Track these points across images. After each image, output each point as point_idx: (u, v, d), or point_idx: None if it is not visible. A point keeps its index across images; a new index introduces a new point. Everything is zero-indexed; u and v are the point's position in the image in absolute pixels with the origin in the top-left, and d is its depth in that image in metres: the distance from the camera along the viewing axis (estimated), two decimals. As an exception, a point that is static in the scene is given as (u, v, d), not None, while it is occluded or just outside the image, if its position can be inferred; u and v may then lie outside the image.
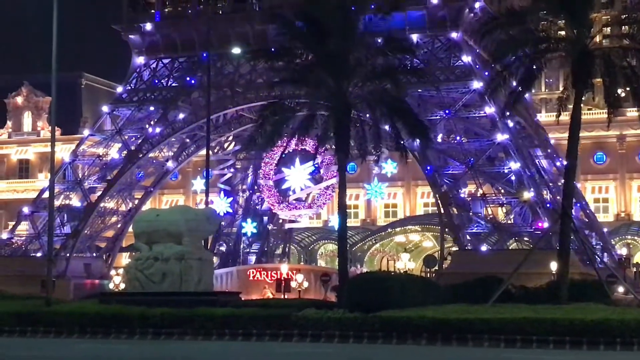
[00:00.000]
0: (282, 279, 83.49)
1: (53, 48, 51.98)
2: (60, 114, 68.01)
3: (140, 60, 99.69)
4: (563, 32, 52.08)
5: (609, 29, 53.94)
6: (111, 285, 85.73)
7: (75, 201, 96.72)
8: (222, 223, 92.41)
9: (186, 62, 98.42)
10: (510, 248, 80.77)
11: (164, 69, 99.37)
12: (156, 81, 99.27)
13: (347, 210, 62.57)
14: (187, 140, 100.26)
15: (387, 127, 55.03)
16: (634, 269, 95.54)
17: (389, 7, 55.66)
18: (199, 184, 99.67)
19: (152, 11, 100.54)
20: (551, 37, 50.97)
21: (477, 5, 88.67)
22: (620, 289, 60.23)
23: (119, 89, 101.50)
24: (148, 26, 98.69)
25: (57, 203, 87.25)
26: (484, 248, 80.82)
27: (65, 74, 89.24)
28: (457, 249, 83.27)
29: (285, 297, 74.02)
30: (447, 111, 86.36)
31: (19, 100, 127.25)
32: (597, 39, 52.20)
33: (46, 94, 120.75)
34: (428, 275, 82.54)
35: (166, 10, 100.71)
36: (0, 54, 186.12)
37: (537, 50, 50.27)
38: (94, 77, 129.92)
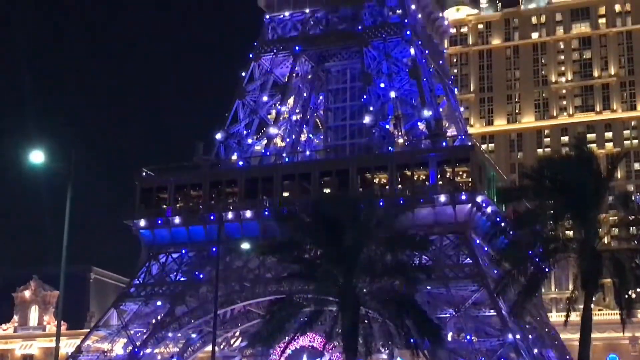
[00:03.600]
0: None
1: (64, 243, 52.13)
2: (68, 308, 67.35)
3: (149, 254, 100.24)
4: (571, 232, 52.23)
5: (616, 230, 54.11)
6: None
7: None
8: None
9: (195, 257, 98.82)
10: None
11: (173, 263, 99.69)
12: (164, 275, 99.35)
13: (355, 411, 60.68)
14: (194, 335, 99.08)
15: (396, 325, 54.29)
16: None
17: (400, 208, 56.30)
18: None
19: (164, 206, 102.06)
20: (559, 237, 51.07)
21: (485, 205, 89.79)
22: None
23: (128, 283, 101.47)
24: (159, 221, 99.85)
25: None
26: None
27: (74, 267, 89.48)
28: None
29: None
30: (456, 309, 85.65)
31: (27, 294, 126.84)
32: (606, 239, 52.28)
33: (54, 288, 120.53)
34: None
35: (178, 205, 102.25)
36: (11, 248, 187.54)
37: (546, 250, 50.24)
38: (103, 271, 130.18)
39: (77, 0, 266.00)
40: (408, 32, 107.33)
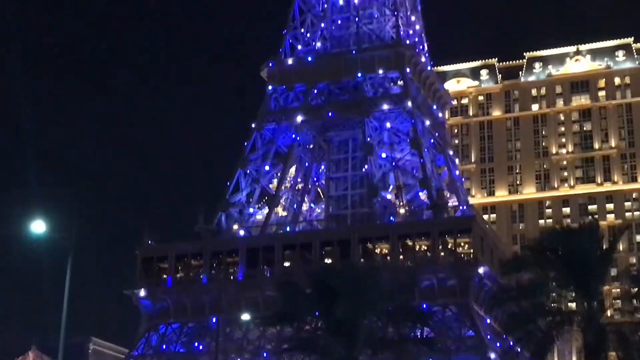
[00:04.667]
0: None
1: (63, 313, 51.67)
2: (65, 378, 66.52)
3: (149, 325, 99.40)
4: (574, 304, 51.79)
5: (620, 302, 53.74)
6: None
7: None
8: None
9: (195, 327, 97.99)
10: None
11: (173, 334, 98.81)
12: (164, 346, 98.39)
13: None
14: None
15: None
16: None
17: (401, 279, 55.95)
18: None
19: (165, 276, 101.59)
20: (562, 310, 50.63)
21: (486, 276, 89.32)
22: None
23: (127, 354, 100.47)
24: (159, 291, 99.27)
25: None
26: None
27: (73, 337, 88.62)
28: None
29: None
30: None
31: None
32: (609, 312, 51.82)
33: (53, 358, 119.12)
34: None
35: (178, 275, 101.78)
36: (11, 317, 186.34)
37: (549, 323, 49.73)
38: (102, 341, 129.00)
39: (81, 75, 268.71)
40: (409, 104, 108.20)
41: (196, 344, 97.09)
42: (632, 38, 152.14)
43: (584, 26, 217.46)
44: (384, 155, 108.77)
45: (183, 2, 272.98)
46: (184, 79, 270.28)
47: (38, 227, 40.13)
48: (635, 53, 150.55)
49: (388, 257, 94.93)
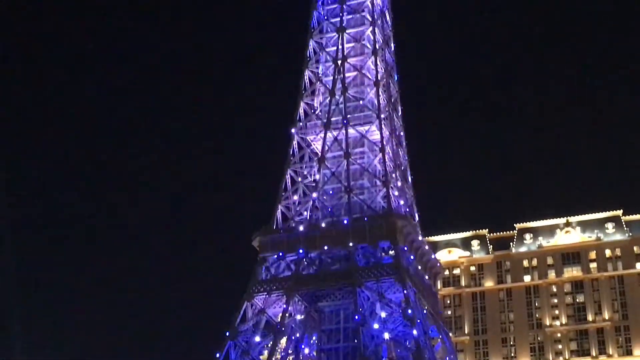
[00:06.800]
0: None
1: None
2: None
3: None
4: None
5: None
6: None
7: None
8: None
9: None
10: None
11: None
12: None
13: None
14: None
15: None
16: None
17: None
18: None
19: None
20: None
21: None
22: None
23: None
24: None
25: None
26: None
27: None
28: None
29: None
30: None
31: None
32: None
33: None
34: None
35: None
36: None
37: None
38: None
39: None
40: (401, 274, 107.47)
41: None
42: (621, 210, 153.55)
43: (574, 198, 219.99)
44: (376, 326, 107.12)
45: (174, 175, 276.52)
46: (180, 241, 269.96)
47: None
48: (624, 225, 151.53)
49: None
